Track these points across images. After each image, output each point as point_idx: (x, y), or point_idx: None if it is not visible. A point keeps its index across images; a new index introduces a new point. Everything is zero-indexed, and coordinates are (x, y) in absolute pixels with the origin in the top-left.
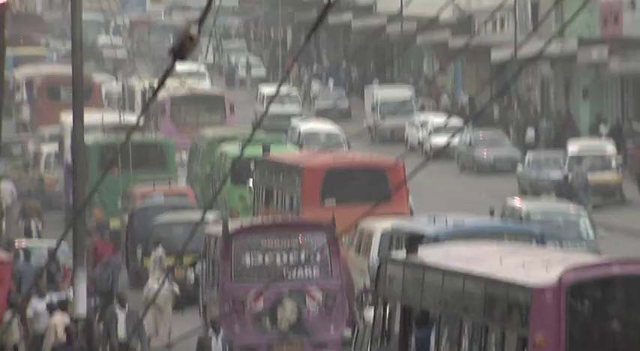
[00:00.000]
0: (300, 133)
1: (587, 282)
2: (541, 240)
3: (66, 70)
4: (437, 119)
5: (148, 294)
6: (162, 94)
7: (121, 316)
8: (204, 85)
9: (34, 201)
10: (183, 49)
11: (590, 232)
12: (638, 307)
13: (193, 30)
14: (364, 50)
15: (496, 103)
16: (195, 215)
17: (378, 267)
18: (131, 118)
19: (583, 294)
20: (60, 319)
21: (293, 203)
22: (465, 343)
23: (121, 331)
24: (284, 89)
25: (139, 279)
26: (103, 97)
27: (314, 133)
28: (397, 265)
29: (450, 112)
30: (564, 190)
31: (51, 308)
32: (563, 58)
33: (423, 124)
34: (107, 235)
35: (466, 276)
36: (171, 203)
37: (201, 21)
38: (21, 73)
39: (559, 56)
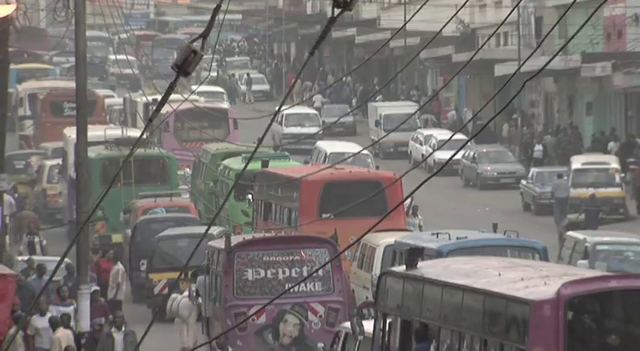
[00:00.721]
0: (326, 155)
1: (585, 296)
2: (544, 254)
3: (69, 84)
4: (441, 135)
5: (172, 305)
6: (165, 109)
7: (118, 338)
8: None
9: (31, 214)
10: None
11: None
12: (637, 321)
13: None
14: (368, 65)
15: (505, 120)
16: (198, 229)
17: (378, 280)
18: (134, 133)
19: (581, 308)
20: (63, 334)
21: (291, 217)
22: None
23: None
24: (303, 109)
25: (141, 293)
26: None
27: (341, 153)
28: (397, 279)
29: (454, 128)
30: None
31: (54, 323)
32: (567, 73)
33: (427, 139)
34: (110, 253)
35: (465, 290)
36: (173, 217)
37: (204, 36)
38: (24, 88)
39: (563, 71)
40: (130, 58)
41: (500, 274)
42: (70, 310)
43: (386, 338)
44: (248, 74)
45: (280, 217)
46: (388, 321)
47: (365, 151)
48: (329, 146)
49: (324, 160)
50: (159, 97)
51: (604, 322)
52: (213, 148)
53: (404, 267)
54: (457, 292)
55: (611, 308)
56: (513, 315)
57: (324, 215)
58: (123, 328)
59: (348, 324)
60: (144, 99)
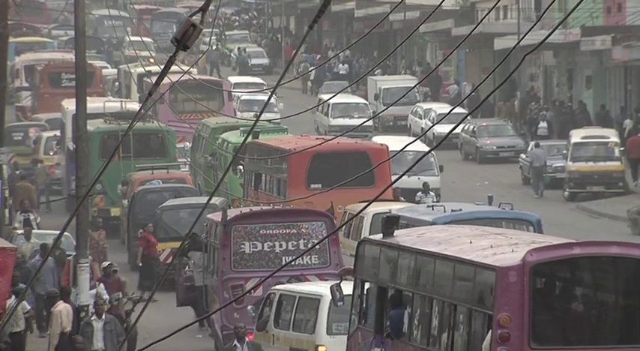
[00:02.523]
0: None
1: (549, 262)
2: (538, 227)
3: (67, 56)
4: (440, 108)
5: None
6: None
7: (97, 325)
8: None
9: (27, 186)
10: (186, 38)
11: None
12: (599, 286)
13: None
14: (367, 39)
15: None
16: (201, 200)
17: (357, 248)
18: (132, 106)
19: (546, 274)
20: (63, 307)
21: (280, 187)
22: (435, 321)
23: (99, 343)
24: (351, 98)
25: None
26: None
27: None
28: (374, 246)
29: (455, 102)
30: None
31: (53, 297)
32: (567, 46)
33: (426, 113)
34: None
35: (437, 257)
36: (171, 187)
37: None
38: (21, 59)
39: (562, 45)
40: (145, 39)
41: (471, 242)
42: (92, 293)
43: (364, 304)
44: (245, 49)
45: (270, 188)
46: (366, 287)
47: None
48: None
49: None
50: (152, 69)
51: (568, 288)
52: (212, 122)
53: (381, 235)
54: (429, 259)
55: (575, 274)
56: (481, 281)
57: (312, 186)
58: (103, 317)
59: (280, 287)
60: (138, 70)
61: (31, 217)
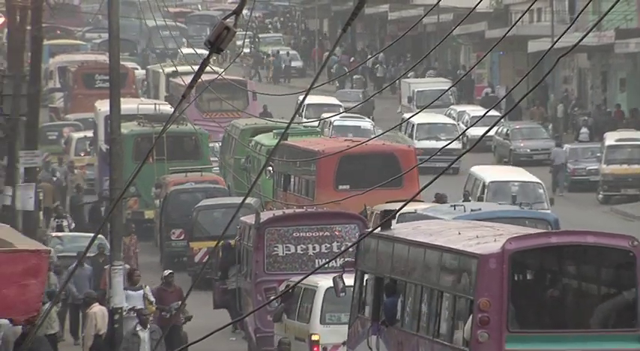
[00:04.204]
0: (485, 185)
1: (527, 250)
2: (555, 226)
3: (100, 58)
4: (474, 111)
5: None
6: (182, 81)
7: (144, 336)
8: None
9: (48, 187)
10: (219, 41)
11: None
12: (575, 273)
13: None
14: (401, 42)
15: (557, 101)
16: (236, 200)
17: (358, 241)
18: (165, 107)
19: (524, 261)
20: (99, 309)
21: (309, 188)
22: (424, 308)
23: None
24: (437, 118)
25: (172, 262)
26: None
27: (505, 182)
28: (373, 239)
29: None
30: None
31: (90, 299)
32: (601, 49)
33: (460, 116)
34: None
35: (427, 247)
36: (203, 188)
37: (237, 12)
38: (54, 61)
39: (596, 47)
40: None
41: (459, 233)
42: (138, 294)
43: (363, 295)
44: (278, 51)
45: (299, 189)
46: (365, 278)
47: (534, 178)
48: (482, 171)
49: (483, 190)
50: (175, 69)
51: (546, 275)
52: (242, 123)
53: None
54: (420, 249)
55: (552, 262)
56: (464, 269)
57: (340, 187)
58: (148, 326)
59: (293, 279)
60: (167, 70)
61: (64, 223)
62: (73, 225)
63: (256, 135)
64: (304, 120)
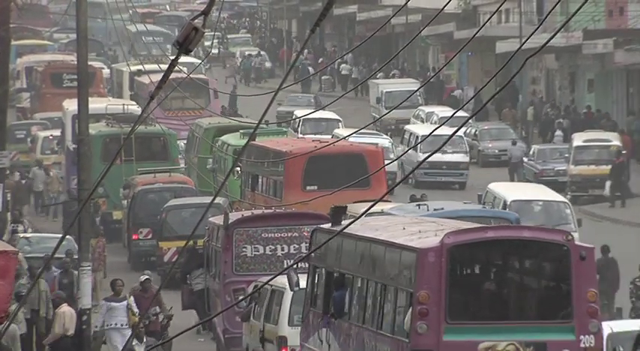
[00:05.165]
0: (507, 204)
1: (465, 244)
2: (516, 224)
3: (68, 58)
4: (443, 112)
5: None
6: (147, 79)
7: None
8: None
9: (11, 184)
10: (188, 42)
11: None
12: (511, 267)
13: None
14: (369, 43)
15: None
16: (205, 199)
17: (310, 236)
18: (133, 107)
19: (462, 255)
20: (67, 310)
21: (277, 189)
22: (369, 301)
23: None
24: (444, 130)
25: (140, 262)
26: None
27: (527, 201)
28: (324, 234)
29: (458, 105)
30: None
31: (59, 299)
32: (569, 50)
33: (428, 117)
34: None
35: (371, 241)
36: (171, 187)
37: (206, 13)
38: (21, 61)
39: (564, 48)
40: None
41: (404, 228)
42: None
43: (315, 289)
44: (250, 55)
45: (267, 190)
46: (317, 273)
47: (559, 198)
48: (502, 190)
49: (504, 207)
50: (142, 68)
51: (482, 268)
52: (205, 122)
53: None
54: (366, 243)
55: (488, 256)
56: (405, 262)
57: (308, 187)
58: (144, 340)
59: (261, 279)
60: (130, 69)
61: (20, 228)
62: (30, 230)
63: (220, 134)
64: (299, 135)
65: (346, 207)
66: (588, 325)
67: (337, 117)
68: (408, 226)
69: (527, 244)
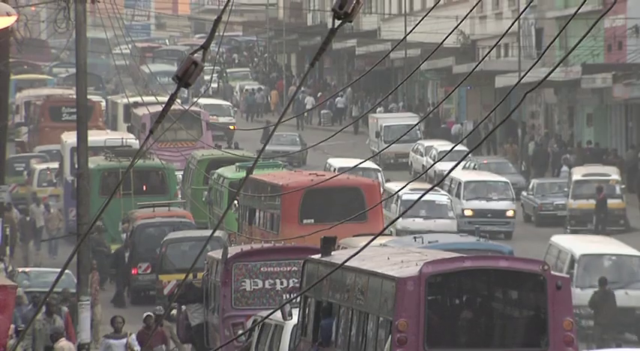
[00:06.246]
0: (575, 259)
1: (443, 274)
2: None
3: (67, 92)
4: (442, 146)
5: None
6: (142, 111)
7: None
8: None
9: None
10: (187, 75)
11: None
12: (488, 296)
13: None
14: (368, 77)
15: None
16: (204, 233)
17: (302, 267)
18: (132, 141)
19: (440, 284)
20: (66, 344)
21: (273, 222)
22: (353, 329)
23: None
24: (488, 176)
25: (139, 296)
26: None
27: (599, 255)
28: (314, 265)
29: (457, 140)
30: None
31: (57, 334)
32: (568, 84)
33: (427, 151)
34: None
35: (355, 271)
36: (170, 222)
37: (205, 47)
38: (20, 96)
39: (563, 82)
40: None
41: (388, 258)
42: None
43: (306, 318)
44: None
45: (264, 223)
46: (308, 303)
47: (373, 165)
48: (578, 245)
49: (572, 266)
50: (138, 100)
51: (460, 297)
52: (199, 154)
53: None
54: (351, 273)
55: (466, 285)
56: (385, 291)
57: (305, 221)
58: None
59: (261, 314)
60: (124, 101)
61: (1, 265)
62: (10, 268)
63: (213, 165)
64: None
65: (336, 238)
66: None
67: (376, 166)
68: (393, 256)
69: (504, 274)
